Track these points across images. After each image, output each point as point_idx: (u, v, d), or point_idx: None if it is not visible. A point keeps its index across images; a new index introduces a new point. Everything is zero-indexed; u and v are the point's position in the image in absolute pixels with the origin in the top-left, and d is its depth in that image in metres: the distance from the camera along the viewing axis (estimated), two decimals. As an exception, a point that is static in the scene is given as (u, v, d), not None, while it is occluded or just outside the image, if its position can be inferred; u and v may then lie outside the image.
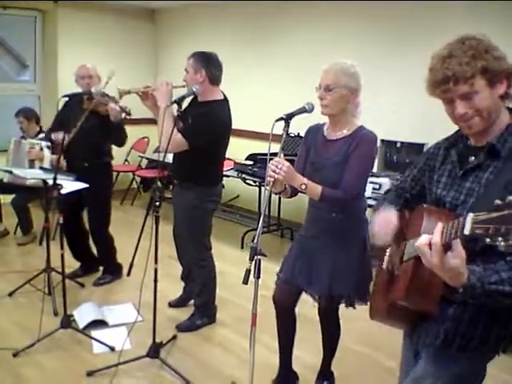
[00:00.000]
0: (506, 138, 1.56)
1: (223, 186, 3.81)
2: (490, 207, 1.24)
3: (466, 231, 1.28)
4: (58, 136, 4.00)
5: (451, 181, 1.68)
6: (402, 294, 1.60)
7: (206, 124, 3.37)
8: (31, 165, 4.90)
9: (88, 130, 3.97)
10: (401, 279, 1.64)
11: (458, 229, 1.31)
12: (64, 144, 3.71)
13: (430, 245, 1.38)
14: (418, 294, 1.56)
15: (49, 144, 4.89)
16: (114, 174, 5.11)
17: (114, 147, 4.41)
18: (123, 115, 4.02)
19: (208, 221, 3.72)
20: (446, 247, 1.35)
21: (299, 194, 2.70)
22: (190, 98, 3.49)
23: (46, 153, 4.85)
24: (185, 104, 3.22)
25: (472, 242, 1.48)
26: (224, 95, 3.58)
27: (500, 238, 1.20)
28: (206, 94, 3.46)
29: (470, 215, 1.29)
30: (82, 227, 4.54)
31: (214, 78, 3.48)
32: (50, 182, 3.51)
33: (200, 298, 3.82)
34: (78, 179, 3.79)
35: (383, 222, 1.80)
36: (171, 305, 4.08)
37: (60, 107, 4.23)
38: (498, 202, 1.24)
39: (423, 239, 1.40)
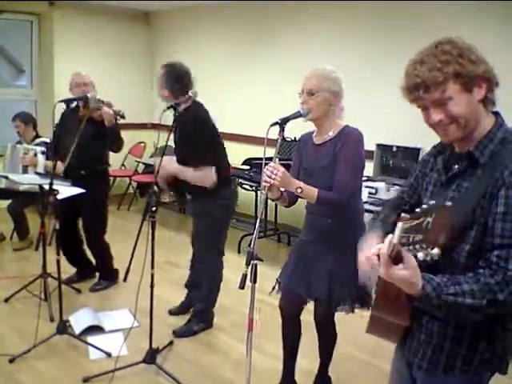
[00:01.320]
0: (486, 145, 1.50)
1: (235, 187, 3.83)
2: (414, 214, 1.24)
3: (395, 240, 1.27)
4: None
5: (437, 190, 1.64)
6: (375, 304, 1.59)
7: (201, 139, 3.44)
8: (25, 170, 4.91)
9: (84, 138, 3.97)
10: (378, 289, 1.62)
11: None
12: (70, 152, 3.74)
13: (379, 255, 1.35)
14: (388, 304, 1.53)
15: (43, 149, 4.89)
16: (111, 179, 5.10)
17: (111, 153, 4.41)
18: (118, 118, 4.03)
19: (221, 226, 3.72)
20: (398, 258, 1.31)
21: (298, 200, 2.70)
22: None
23: (40, 158, 4.84)
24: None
25: (455, 254, 1.48)
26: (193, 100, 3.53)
27: (411, 247, 1.20)
28: (180, 104, 3.40)
29: (400, 224, 1.28)
30: (77, 234, 4.53)
31: (176, 93, 3.44)
32: (46, 187, 3.50)
33: (202, 304, 3.81)
34: (74, 186, 3.78)
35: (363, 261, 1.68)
36: (171, 313, 4.04)
37: (56, 113, 4.21)
38: (417, 209, 1.23)
39: (374, 250, 1.39)
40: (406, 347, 1.68)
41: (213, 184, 3.45)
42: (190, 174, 3.45)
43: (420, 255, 1.20)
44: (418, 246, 1.20)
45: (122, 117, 4.06)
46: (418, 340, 1.63)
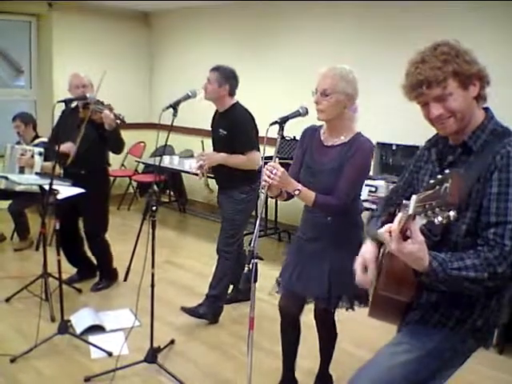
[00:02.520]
0: (479, 135, 1.65)
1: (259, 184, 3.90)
2: (428, 185, 1.37)
3: (410, 211, 1.39)
4: (67, 146, 4.00)
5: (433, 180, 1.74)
6: (382, 283, 1.67)
7: (245, 125, 3.75)
8: (21, 171, 4.91)
9: (84, 138, 3.96)
10: (383, 269, 1.72)
11: (406, 211, 1.42)
12: (72, 156, 3.76)
13: (390, 232, 1.48)
14: (395, 280, 1.63)
15: (41, 150, 4.89)
16: (111, 178, 5.09)
17: (111, 153, 4.40)
18: (118, 122, 4.01)
19: (247, 217, 3.93)
20: (407, 234, 1.45)
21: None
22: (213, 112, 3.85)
23: (37, 160, 4.85)
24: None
25: (448, 234, 1.63)
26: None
27: (430, 212, 1.32)
28: (225, 103, 3.81)
29: (414, 196, 1.41)
30: (77, 234, 4.53)
31: (233, 92, 3.83)
32: (47, 187, 3.51)
33: (214, 289, 3.89)
34: (74, 186, 3.78)
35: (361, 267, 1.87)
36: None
37: (56, 113, 4.20)
38: (432, 180, 1.36)
39: (385, 227, 1.51)
40: (404, 323, 1.80)
41: (258, 166, 3.72)
42: (240, 159, 3.71)
43: (439, 218, 1.31)
44: (437, 210, 1.31)
45: (122, 121, 4.03)
46: (415, 308, 1.75)
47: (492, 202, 1.56)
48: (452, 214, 1.30)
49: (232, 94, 3.82)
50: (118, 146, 4.25)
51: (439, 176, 1.36)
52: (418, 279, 1.57)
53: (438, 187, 1.33)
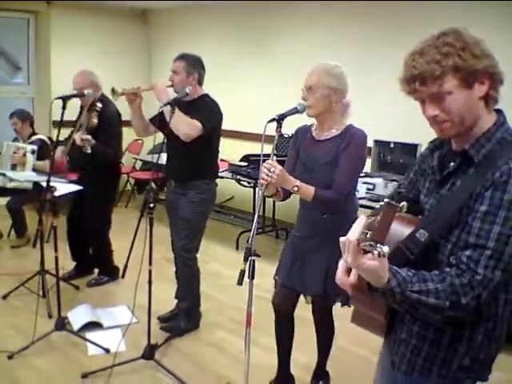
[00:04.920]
0: (483, 144, 1.42)
1: (216, 185, 3.82)
2: (373, 211, 1.24)
3: (356, 235, 1.25)
4: (58, 155, 4.00)
5: (432, 187, 1.58)
6: (353, 295, 1.50)
7: (213, 111, 3.52)
8: (13, 168, 4.92)
9: (90, 134, 3.97)
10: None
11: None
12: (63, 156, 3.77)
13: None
14: (364, 296, 1.42)
15: (34, 148, 4.89)
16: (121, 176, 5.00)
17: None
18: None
19: (206, 219, 3.72)
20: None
21: (292, 195, 2.71)
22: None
23: (30, 158, 4.86)
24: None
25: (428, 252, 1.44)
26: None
27: (367, 243, 1.20)
28: (194, 92, 3.53)
29: (364, 219, 1.28)
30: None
31: (202, 80, 3.60)
32: (44, 184, 3.51)
33: (185, 302, 3.76)
34: (80, 181, 3.77)
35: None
36: (161, 320, 3.88)
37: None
38: (377, 206, 1.24)
39: (345, 236, 1.34)
40: (390, 345, 1.64)
41: (190, 138, 3.37)
42: (185, 117, 3.35)
43: (375, 252, 1.19)
44: (369, 244, 1.19)
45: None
46: (400, 339, 1.59)
47: (477, 220, 1.35)
48: (386, 250, 1.17)
49: (200, 83, 3.58)
50: (105, 160, 4.20)
51: (381, 203, 1.22)
52: (371, 293, 1.37)
53: (375, 217, 1.19)
